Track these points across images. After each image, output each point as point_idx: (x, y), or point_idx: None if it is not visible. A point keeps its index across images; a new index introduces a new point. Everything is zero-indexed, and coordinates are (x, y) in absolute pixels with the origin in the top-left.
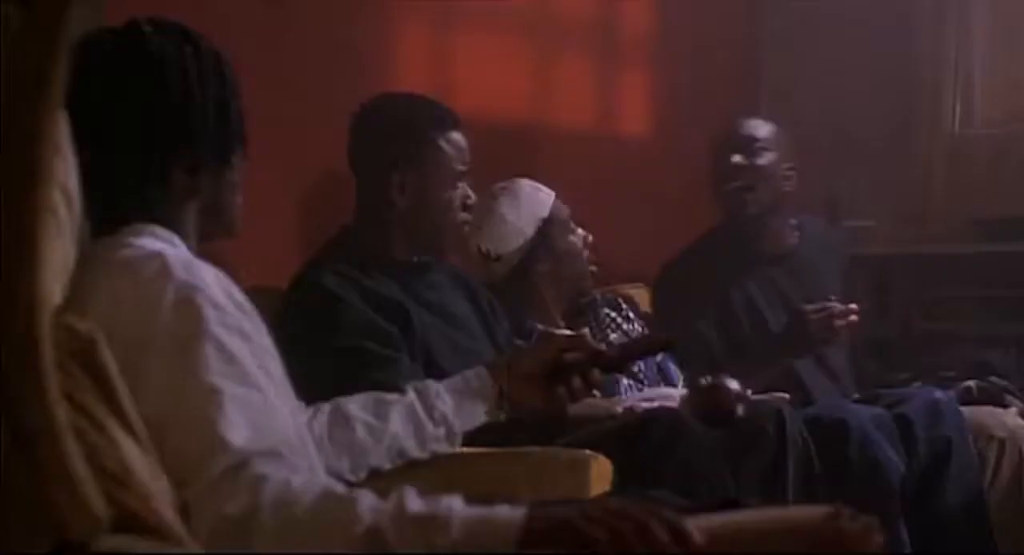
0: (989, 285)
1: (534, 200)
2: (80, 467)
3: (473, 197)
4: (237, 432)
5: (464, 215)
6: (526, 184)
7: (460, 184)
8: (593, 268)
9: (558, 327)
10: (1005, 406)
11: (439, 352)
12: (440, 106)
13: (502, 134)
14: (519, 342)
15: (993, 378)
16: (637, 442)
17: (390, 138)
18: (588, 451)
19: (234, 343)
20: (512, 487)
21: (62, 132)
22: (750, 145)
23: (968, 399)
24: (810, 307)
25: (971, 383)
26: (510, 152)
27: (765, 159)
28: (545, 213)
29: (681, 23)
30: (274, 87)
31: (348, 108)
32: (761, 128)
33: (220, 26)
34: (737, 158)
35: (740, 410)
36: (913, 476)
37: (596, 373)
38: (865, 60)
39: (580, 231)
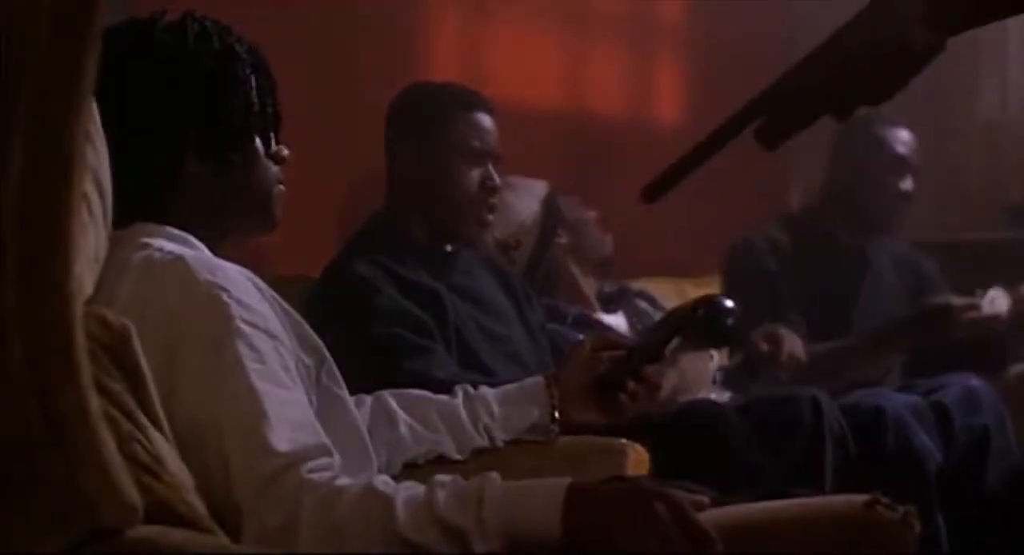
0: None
1: (528, 184)
2: (113, 453)
3: (498, 182)
4: (279, 434)
5: (488, 199)
6: (516, 177)
7: (479, 165)
8: (607, 238)
9: (591, 306)
10: None
11: (473, 339)
12: (469, 90)
13: (536, 124)
14: (553, 326)
15: None
16: (675, 432)
17: (409, 112)
18: (624, 440)
19: (263, 342)
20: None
21: (94, 121)
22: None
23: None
24: (959, 300)
25: None
26: (544, 142)
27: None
28: (543, 192)
29: (715, 13)
30: (309, 79)
31: (383, 100)
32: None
33: (253, 19)
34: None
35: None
36: (951, 464)
37: (650, 371)
38: None
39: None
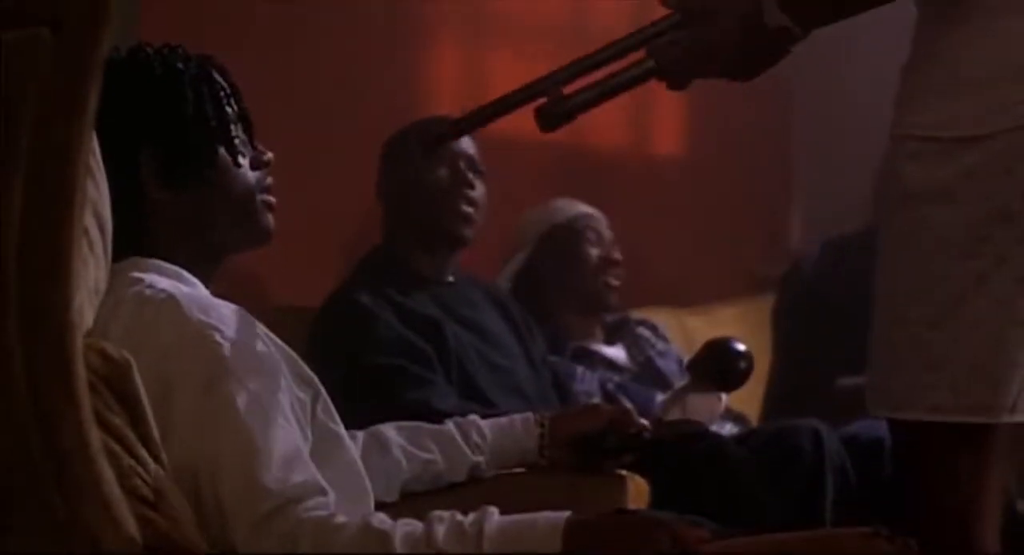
0: None
1: (556, 208)
2: (114, 488)
3: (478, 190)
4: (273, 473)
5: (462, 190)
6: (564, 200)
7: (445, 164)
8: (614, 282)
9: (587, 344)
10: None
11: (474, 369)
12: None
13: (534, 154)
14: (553, 357)
15: None
16: (675, 463)
17: (391, 149)
18: (624, 471)
19: (255, 381)
20: (548, 507)
21: (94, 155)
22: None
23: None
24: None
25: None
26: (545, 173)
27: None
28: (559, 219)
29: None
30: (309, 110)
31: (385, 132)
32: None
33: (253, 50)
34: None
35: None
36: None
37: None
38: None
39: (602, 251)
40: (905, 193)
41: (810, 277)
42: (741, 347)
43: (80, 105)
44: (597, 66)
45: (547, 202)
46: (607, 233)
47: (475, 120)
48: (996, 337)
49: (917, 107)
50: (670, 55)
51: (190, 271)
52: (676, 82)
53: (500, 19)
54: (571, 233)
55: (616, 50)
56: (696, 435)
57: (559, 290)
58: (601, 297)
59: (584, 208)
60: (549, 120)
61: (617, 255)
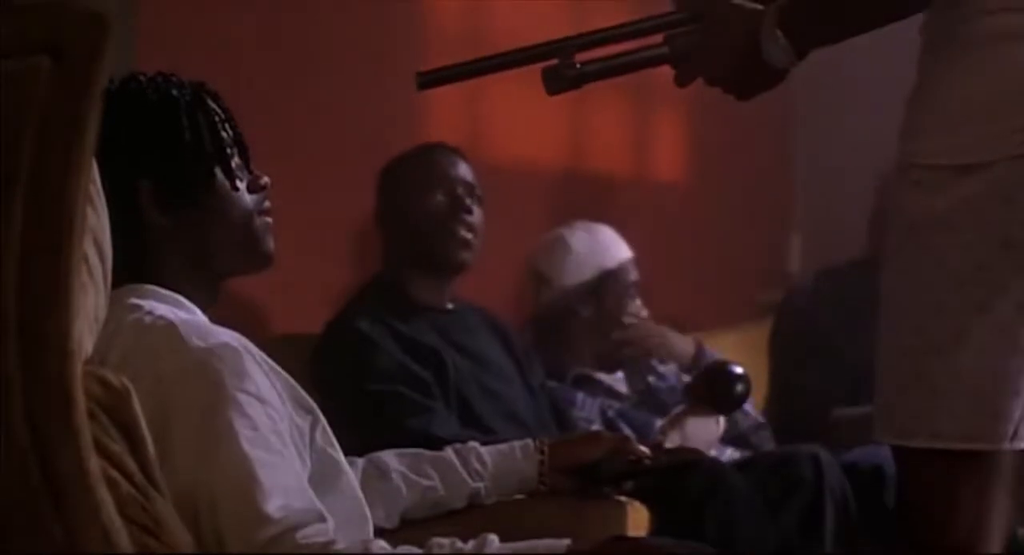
0: None
1: (608, 247)
2: (113, 516)
3: (476, 215)
4: (272, 501)
5: (459, 215)
6: (608, 231)
7: (442, 190)
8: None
9: (588, 371)
10: None
11: (473, 397)
12: (433, 143)
13: (536, 181)
14: (553, 384)
15: None
16: (675, 490)
17: (385, 179)
18: (624, 498)
19: (254, 408)
20: (548, 534)
21: (94, 183)
22: None
23: None
24: None
25: None
26: (546, 198)
27: None
28: (611, 265)
29: None
30: (310, 136)
31: (383, 156)
32: None
33: (250, 78)
34: None
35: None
36: None
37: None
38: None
39: (638, 302)
40: (908, 222)
41: (804, 306)
42: (739, 370)
43: (80, 133)
44: (610, 41)
45: (592, 231)
46: (635, 275)
47: (483, 66)
48: (997, 365)
49: (920, 135)
50: (684, 46)
51: (190, 297)
52: (683, 75)
53: (502, 48)
54: (618, 284)
55: (633, 29)
56: (695, 464)
57: (581, 336)
58: (619, 351)
59: (626, 249)
60: (557, 82)
61: (642, 309)
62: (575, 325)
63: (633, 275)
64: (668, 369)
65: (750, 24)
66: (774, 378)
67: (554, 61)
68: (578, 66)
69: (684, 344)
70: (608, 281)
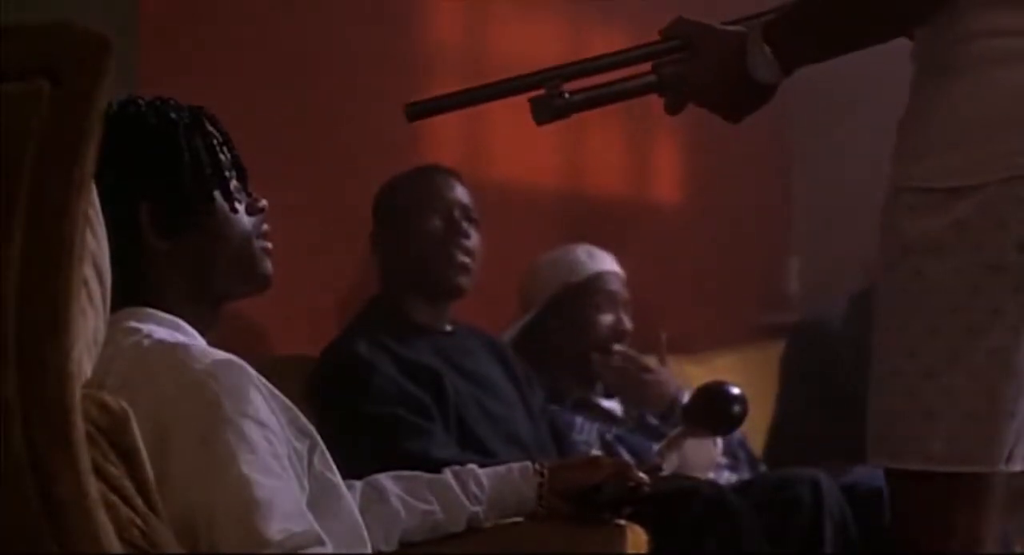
0: None
1: (576, 263)
2: (112, 539)
3: (473, 239)
4: (271, 524)
5: (455, 239)
6: (589, 250)
7: (440, 214)
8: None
9: (569, 391)
10: None
11: (473, 418)
12: (429, 165)
13: (535, 203)
14: (553, 407)
15: None
16: (674, 513)
17: (380, 203)
18: (623, 521)
19: (253, 431)
20: None
21: (93, 205)
22: None
23: None
24: None
25: None
26: (544, 220)
27: None
28: (576, 279)
29: None
30: (308, 158)
31: (381, 178)
32: None
33: (250, 101)
34: None
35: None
36: None
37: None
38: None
39: (617, 318)
40: (902, 245)
41: (837, 330)
42: (735, 390)
43: (79, 156)
44: (598, 70)
45: (566, 250)
46: (622, 293)
47: (472, 97)
48: (991, 388)
49: (913, 159)
50: (672, 74)
51: (189, 320)
52: (673, 104)
53: (501, 72)
54: (583, 297)
55: (621, 59)
56: (695, 490)
57: (558, 354)
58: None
59: (602, 264)
60: (545, 112)
61: (627, 324)
62: (549, 340)
63: (611, 288)
64: None
65: (735, 42)
66: (783, 396)
67: (542, 91)
68: (566, 96)
69: (661, 388)
70: (571, 293)
